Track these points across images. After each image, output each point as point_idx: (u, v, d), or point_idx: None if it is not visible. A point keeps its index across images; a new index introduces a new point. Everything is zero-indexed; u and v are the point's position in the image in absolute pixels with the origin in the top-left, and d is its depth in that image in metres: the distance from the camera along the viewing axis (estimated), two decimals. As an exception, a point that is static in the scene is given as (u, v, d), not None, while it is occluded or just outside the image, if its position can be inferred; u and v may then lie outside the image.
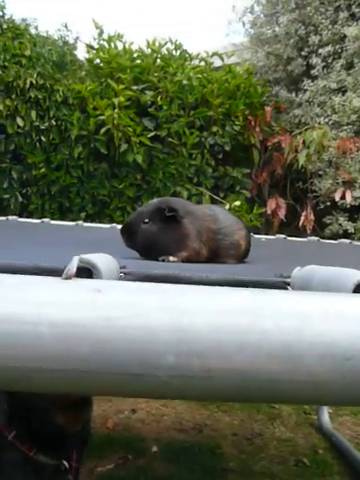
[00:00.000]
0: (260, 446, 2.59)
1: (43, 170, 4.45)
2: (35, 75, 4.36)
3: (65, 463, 1.19)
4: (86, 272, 0.44)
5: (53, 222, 3.04)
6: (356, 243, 2.93)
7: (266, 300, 0.38)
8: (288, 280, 0.66)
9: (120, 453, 2.40)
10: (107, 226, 3.05)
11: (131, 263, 0.78)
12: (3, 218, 2.88)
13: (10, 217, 2.94)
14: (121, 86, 4.43)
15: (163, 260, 1.11)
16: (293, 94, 5.27)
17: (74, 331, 0.35)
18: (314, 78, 5.09)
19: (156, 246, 1.13)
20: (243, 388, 0.36)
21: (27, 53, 4.38)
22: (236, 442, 2.62)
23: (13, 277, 0.39)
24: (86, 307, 0.36)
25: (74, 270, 0.41)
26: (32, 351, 0.35)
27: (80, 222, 3.00)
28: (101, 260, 0.45)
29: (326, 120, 4.87)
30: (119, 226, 2.79)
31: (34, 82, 4.35)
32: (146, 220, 1.16)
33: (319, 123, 4.84)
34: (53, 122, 4.45)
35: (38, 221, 2.92)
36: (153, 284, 0.39)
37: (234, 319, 0.36)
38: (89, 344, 0.35)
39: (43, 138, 4.46)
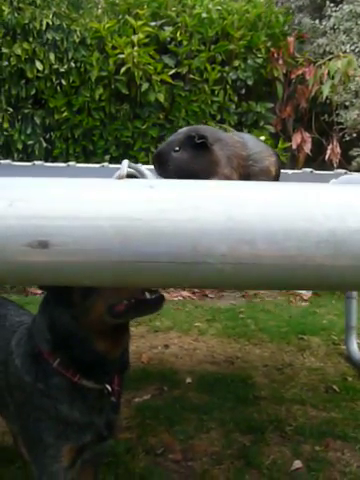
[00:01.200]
0: (290, 375, 2.66)
1: (65, 114, 4.42)
2: (51, 15, 4.26)
3: (108, 387, 1.26)
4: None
5: (79, 165, 3.05)
6: (385, 174, 2.88)
7: (312, 191, 0.40)
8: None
9: (155, 385, 2.50)
10: (133, 166, 3.04)
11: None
12: (29, 164, 2.90)
13: (36, 162, 2.96)
14: (139, 22, 4.32)
15: (195, 187, 1.12)
16: (317, 21, 5.06)
17: (132, 224, 0.37)
18: (339, 3, 4.86)
19: (188, 173, 1.14)
20: (291, 273, 0.38)
21: (41, -8, 4.28)
22: (267, 372, 2.70)
23: (72, 180, 0.41)
24: (141, 201, 0.38)
25: (125, 171, 0.43)
26: (94, 244, 0.37)
27: (106, 164, 3.01)
28: (146, 170, 0.47)
29: (352, 48, 4.67)
30: (145, 166, 2.80)
31: (50, 23, 4.26)
32: (177, 148, 1.17)
33: (345, 51, 4.65)
34: (72, 64, 4.38)
35: (64, 165, 2.94)
36: (202, 181, 0.41)
37: (282, 208, 0.38)
38: (146, 236, 0.37)
39: (63, 81, 4.40)
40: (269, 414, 2.25)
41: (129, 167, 0.45)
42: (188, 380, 2.58)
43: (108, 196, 0.39)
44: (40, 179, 0.41)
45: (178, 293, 4.31)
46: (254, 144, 1.28)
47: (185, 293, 4.33)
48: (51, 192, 0.38)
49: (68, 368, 1.21)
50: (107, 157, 4.45)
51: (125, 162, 0.45)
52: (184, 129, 1.22)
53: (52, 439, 1.21)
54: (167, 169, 1.17)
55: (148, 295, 1.14)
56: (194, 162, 1.15)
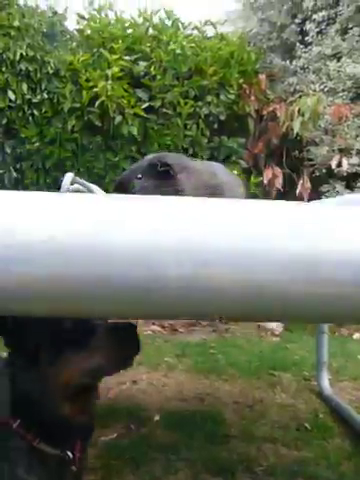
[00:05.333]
0: (261, 412, 2.60)
1: (37, 144, 4.39)
2: (25, 47, 4.26)
3: (69, 453, 1.18)
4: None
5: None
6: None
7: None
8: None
9: (122, 423, 2.41)
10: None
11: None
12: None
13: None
14: (114, 56, 4.36)
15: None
16: (287, 62, 5.20)
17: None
18: (308, 44, 5.02)
19: None
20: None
21: (15, 24, 4.28)
22: (237, 409, 2.64)
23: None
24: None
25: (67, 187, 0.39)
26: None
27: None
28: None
29: (321, 87, 4.81)
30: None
31: (24, 54, 4.25)
32: (139, 176, 1.14)
33: (314, 90, 4.78)
34: (45, 95, 4.37)
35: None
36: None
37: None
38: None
39: (36, 112, 4.38)
40: (239, 453, 2.17)
41: (74, 183, 0.41)
42: (156, 418, 2.49)
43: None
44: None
45: (148, 327, 4.24)
46: (223, 174, 1.26)
47: (155, 327, 4.26)
48: None
49: (28, 431, 1.13)
50: (78, 188, 4.41)
51: (69, 175, 0.41)
52: (149, 156, 1.20)
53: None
54: (128, 196, 1.14)
55: None
56: (157, 191, 1.12)
